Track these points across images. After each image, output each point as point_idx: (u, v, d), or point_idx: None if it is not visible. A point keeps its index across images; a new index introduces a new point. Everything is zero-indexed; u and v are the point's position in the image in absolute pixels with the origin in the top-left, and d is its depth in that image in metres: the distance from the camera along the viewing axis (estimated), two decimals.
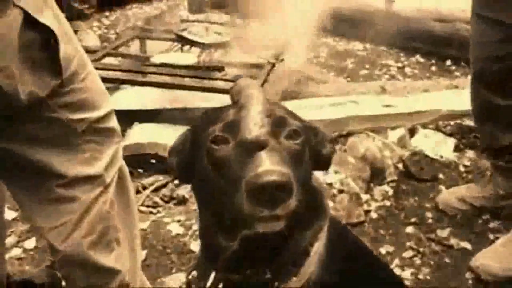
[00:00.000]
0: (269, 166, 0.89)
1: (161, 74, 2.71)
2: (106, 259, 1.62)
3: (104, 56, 2.98)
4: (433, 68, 4.69)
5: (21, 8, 1.24)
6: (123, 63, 2.98)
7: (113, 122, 1.62)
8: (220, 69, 2.70)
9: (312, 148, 1.16)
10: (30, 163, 1.42)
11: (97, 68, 2.76)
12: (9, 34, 1.23)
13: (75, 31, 4.80)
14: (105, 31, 5.41)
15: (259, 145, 0.94)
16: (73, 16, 4.88)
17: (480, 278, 2.41)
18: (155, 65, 2.76)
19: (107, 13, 5.86)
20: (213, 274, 1.19)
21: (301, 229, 1.15)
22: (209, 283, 1.19)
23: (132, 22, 5.49)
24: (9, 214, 2.56)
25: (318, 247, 1.19)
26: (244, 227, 1.01)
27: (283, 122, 1.07)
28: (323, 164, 1.23)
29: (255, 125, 0.98)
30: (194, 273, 1.27)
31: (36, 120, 1.39)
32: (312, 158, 1.15)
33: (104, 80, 2.84)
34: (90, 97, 1.50)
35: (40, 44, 1.31)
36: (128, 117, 3.04)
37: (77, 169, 1.49)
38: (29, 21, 1.26)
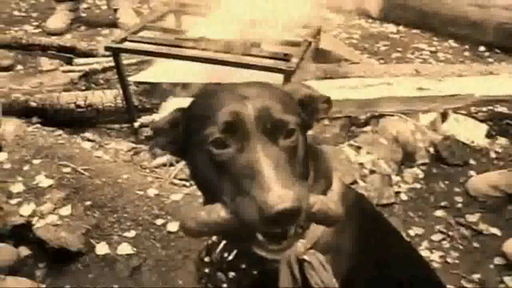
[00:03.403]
0: (279, 189, 0.94)
1: (196, 48, 2.71)
2: None
3: (141, 29, 3.00)
4: (466, 53, 4.62)
5: None
6: (159, 37, 2.99)
7: None
8: (257, 45, 2.70)
9: (307, 119, 1.21)
10: None
11: (133, 41, 2.84)
12: None
13: (115, 10, 4.88)
14: (138, 5, 5.42)
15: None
16: None
17: (509, 265, 2.42)
18: (191, 39, 2.77)
19: None
20: (222, 243, 1.25)
21: None
22: (217, 250, 1.26)
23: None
24: (45, 182, 2.62)
25: None
26: (246, 240, 1.06)
27: (280, 124, 1.08)
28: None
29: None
30: (214, 238, 1.30)
31: None
32: (307, 127, 1.21)
33: (141, 52, 2.93)
34: None
35: None
36: (163, 91, 3.07)
37: None
38: None
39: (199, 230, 1.06)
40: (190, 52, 2.70)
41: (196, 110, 1.16)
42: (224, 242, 1.26)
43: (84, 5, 5.51)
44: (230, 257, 1.24)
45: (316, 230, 1.21)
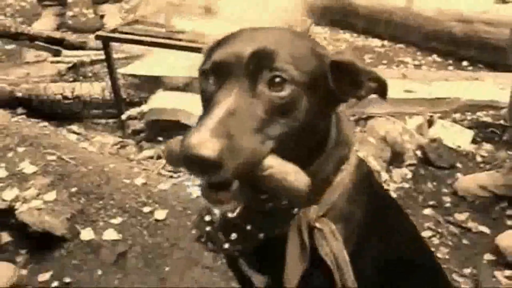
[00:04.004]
0: (206, 134, 0.89)
1: (188, 40, 2.70)
2: None
3: (133, 22, 2.99)
4: (450, 68, 4.69)
5: None
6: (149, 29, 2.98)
7: None
8: None
9: (331, 83, 1.09)
10: None
11: (126, 33, 2.83)
12: None
13: (101, 16, 4.87)
14: (125, 14, 5.42)
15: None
16: None
17: (499, 260, 2.41)
18: (182, 32, 2.76)
19: None
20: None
21: (315, 158, 1.13)
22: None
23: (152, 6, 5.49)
24: (30, 168, 2.55)
25: (342, 179, 1.17)
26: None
27: (266, 61, 1.00)
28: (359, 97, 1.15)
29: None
30: None
31: None
32: (331, 95, 1.10)
33: (131, 41, 2.90)
34: None
35: None
36: (153, 83, 3.05)
37: None
38: None
39: (168, 159, 1.07)
40: (181, 42, 2.69)
41: (217, 42, 1.11)
42: None
43: (71, 13, 5.50)
44: (233, 215, 1.17)
45: (330, 198, 1.16)
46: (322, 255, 1.11)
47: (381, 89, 1.13)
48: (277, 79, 0.99)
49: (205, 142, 0.88)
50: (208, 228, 1.23)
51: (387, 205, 1.42)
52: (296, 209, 1.13)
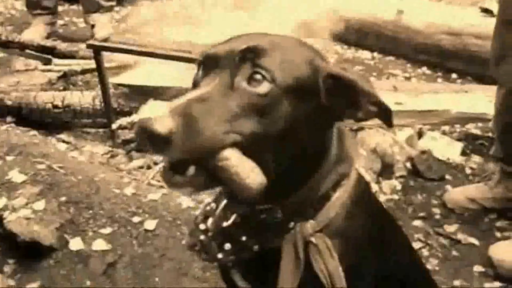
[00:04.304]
0: (163, 111, 0.89)
1: (180, 50, 2.70)
2: None
3: (125, 31, 3.00)
4: (439, 80, 4.72)
5: None
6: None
7: None
8: None
9: (323, 96, 1.06)
10: None
11: (118, 42, 2.82)
12: None
13: (92, 25, 4.86)
14: (116, 24, 5.41)
15: None
16: (94, 8, 4.91)
17: (488, 272, 2.42)
18: (175, 42, 2.77)
19: (117, 8, 5.86)
20: (224, 202, 1.16)
21: (313, 173, 1.12)
22: (218, 210, 1.17)
23: (143, 16, 5.51)
24: (19, 177, 2.53)
25: (341, 195, 1.16)
26: None
27: (251, 56, 1.00)
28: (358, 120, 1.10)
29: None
30: (213, 205, 1.23)
31: None
32: (323, 109, 1.06)
33: (122, 51, 2.90)
34: None
35: None
36: (143, 93, 3.04)
37: None
38: None
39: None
40: (174, 52, 2.69)
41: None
42: (221, 207, 1.17)
43: (61, 22, 5.48)
44: (227, 224, 1.15)
45: (328, 213, 1.14)
46: (316, 271, 1.10)
47: (384, 115, 1.09)
48: (257, 76, 0.98)
49: (160, 118, 0.87)
50: (202, 237, 1.20)
51: (385, 220, 1.41)
52: (292, 223, 1.12)
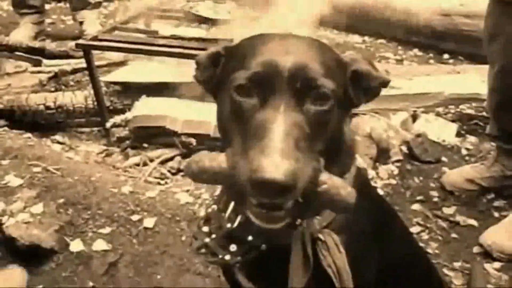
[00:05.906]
0: (276, 157, 0.87)
1: (170, 46, 2.68)
2: None
3: (112, 29, 2.97)
4: (431, 61, 4.71)
5: None
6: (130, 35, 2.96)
7: None
8: (229, 41, 2.69)
9: (354, 95, 1.12)
10: None
11: (106, 40, 2.81)
12: None
13: (80, 22, 4.83)
14: (104, 20, 5.38)
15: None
16: (82, 5, 4.87)
17: (488, 253, 2.43)
18: (164, 37, 2.75)
19: (105, 4, 5.81)
20: (232, 204, 1.17)
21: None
22: (227, 213, 1.17)
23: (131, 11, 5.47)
24: (15, 181, 2.53)
25: None
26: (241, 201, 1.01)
27: (312, 84, 1.00)
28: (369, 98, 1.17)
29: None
30: (214, 207, 1.23)
31: None
32: (352, 103, 1.12)
33: (112, 49, 2.88)
34: None
35: None
36: (136, 90, 3.03)
37: None
38: None
39: (198, 176, 1.03)
40: (163, 49, 2.68)
41: (238, 50, 1.09)
42: (230, 210, 1.18)
43: (49, 20, 5.44)
44: (233, 226, 1.16)
45: None
46: (325, 266, 1.11)
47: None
48: (321, 95, 1.00)
49: (278, 166, 0.86)
50: (207, 239, 1.21)
51: (385, 211, 1.43)
52: (299, 220, 1.11)
